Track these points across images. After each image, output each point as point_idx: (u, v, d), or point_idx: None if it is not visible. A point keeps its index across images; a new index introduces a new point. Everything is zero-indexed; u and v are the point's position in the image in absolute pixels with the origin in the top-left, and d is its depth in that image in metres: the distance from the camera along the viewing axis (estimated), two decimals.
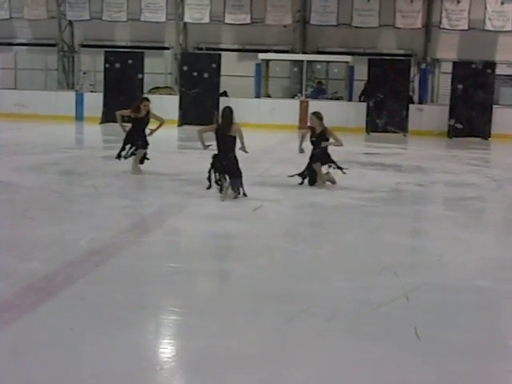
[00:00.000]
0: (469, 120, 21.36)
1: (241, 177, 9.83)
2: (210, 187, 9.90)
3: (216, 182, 9.83)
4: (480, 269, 6.74)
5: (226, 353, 4.36)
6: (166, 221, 8.48)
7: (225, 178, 9.77)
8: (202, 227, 8.29)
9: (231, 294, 5.67)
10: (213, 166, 9.91)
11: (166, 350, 4.50)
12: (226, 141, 9.87)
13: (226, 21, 24.87)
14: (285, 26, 24.88)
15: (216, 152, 9.88)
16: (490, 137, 21.41)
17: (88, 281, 5.76)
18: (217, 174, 9.83)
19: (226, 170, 9.81)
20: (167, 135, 20.47)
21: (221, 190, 9.70)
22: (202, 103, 21.47)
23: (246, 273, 6.26)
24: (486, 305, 5.62)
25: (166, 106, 22.94)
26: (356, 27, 24.27)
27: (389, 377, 4.14)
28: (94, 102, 22.87)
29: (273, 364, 4.25)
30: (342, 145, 10.74)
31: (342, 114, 22.40)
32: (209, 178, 9.91)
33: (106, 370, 4.07)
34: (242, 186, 9.82)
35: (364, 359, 4.35)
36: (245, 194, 9.80)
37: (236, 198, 9.67)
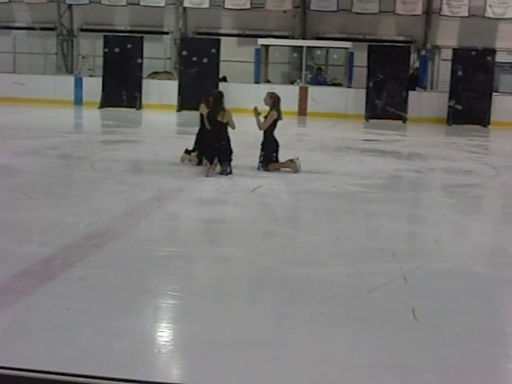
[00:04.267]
0: (468, 106, 21.31)
1: (230, 155, 10.30)
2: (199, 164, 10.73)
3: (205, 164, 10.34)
4: (478, 255, 6.76)
5: (223, 336, 4.38)
6: (164, 205, 8.49)
7: (213, 159, 10.25)
8: (200, 212, 8.30)
9: (229, 279, 5.68)
10: (202, 147, 10.55)
11: (164, 333, 4.51)
12: (218, 126, 10.33)
13: (226, 6, 24.72)
14: (285, 12, 24.75)
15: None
16: (489, 124, 21.37)
17: (86, 264, 5.77)
18: (205, 156, 10.40)
19: (217, 153, 10.23)
20: (166, 120, 20.50)
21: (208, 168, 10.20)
22: (201, 88, 21.40)
23: (244, 257, 6.28)
24: (483, 291, 5.63)
25: (164, 90, 22.96)
26: (356, 13, 24.13)
27: (385, 361, 4.15)
28: (93, 86, 22.78)
29: (269, 348, 4.26)
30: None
31: (342, 101, 22.36)
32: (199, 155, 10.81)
33: (103, 352, 4.09)
34: (229, 164, 10.27)
35: (360, 343, 4.36)
36: (230, 172, 10.24)
37: (222, 173, 10.11)
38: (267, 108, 10.90)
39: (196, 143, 11.24)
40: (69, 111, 21.84)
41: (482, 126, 21.25)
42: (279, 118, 10.82)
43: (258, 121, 10.76)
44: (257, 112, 10.72)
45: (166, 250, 6.41)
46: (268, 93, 10.99)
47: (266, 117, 10.78)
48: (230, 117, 10.35)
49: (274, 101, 10.79)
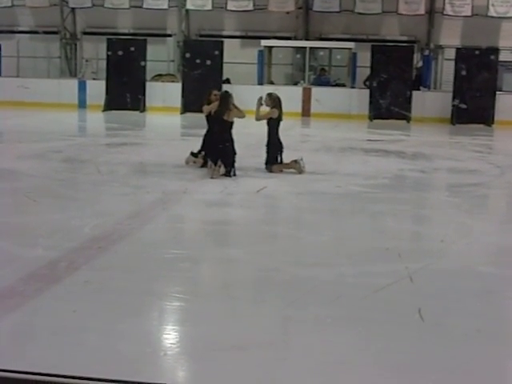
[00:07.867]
0: (472, 106, 21.28)
1: (234, 156, 10.24)
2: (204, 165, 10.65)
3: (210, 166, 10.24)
4: (483, 255, 6.75)
5: (229, 338, 4.37)
6: (169, 207, 8.49)
7: (217, 160, 10.17)
8: (204, 213, 8.30)
9: (234, 280, 5.68)
10: (208, 149, 10.55)
11: (170, 335, 4.51)
12: (223, 126, 10.28)
13: (229, 7, 24.75)
14: (287, 13, 24.77)
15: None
16: (493, 123, 21.33)
17: (92, 267, 5.77)
18: (209, 158, 10.33)
19: (220, 153, 10.19)
20: (170, 122, 20.52)
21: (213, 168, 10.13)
22: (205, 90, 21.35)
23: (249, 259, 6.27)
24: (489, 290, 5.62)
25: (168, 93, 23.00)
26: (359, 13, 24.14)
27: (391, 361, 4.14)
28: (97, 89, 22.81)
29: (275, 349, 4.26)
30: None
31: (345, 101, 22.36)
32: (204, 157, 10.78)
33: (110, 355, 4.09)
34: (233, 165, 10.22)
35: (366, 344, 4.36)
36: (234, 174, 10.19)
37: (226, 175, 10.05)
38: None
39: (203, 145, 11.24)
40: (73, 114, 21.87)
41: (486, 125, 21.21)
42: (280, 117, 10.78)
43: (258, 111, 10.73)
44: (260, 102, 10.72)
45: (172, 252, 6.41)
46: (267, 94, 10.95)
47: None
48: (236, 112, 10.28)
49: (273, 101, 10.77)
